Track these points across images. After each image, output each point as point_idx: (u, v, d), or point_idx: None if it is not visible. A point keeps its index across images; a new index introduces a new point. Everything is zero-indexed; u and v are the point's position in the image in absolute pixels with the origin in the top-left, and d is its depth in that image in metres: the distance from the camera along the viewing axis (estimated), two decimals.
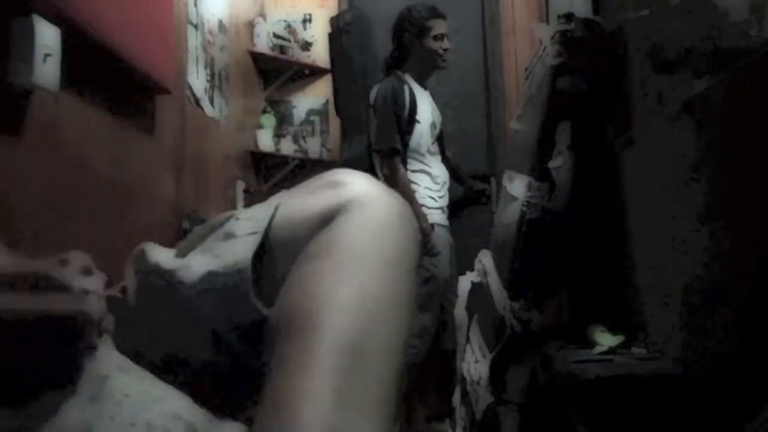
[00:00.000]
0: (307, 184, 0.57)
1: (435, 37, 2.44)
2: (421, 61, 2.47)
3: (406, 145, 2.36)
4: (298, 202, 0.55)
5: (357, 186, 0.53)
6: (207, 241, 0.58)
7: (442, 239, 2.39)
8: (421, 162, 2.39)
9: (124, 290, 0.59)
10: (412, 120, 2.38)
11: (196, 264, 0.55)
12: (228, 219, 0.58)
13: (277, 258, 0.53)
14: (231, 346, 0.54)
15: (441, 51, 2.46)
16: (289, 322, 0.45)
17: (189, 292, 0.54)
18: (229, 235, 0.56)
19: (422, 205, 2.32)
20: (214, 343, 0.55)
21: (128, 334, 0.56)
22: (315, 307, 0.45)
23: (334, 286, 0.46)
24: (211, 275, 0.53)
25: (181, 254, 0.59)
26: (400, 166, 2.31)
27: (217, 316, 0.54)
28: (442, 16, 2.48)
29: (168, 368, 0.55)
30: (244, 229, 0.55)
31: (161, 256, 0.58)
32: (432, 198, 2.38)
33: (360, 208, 0.50)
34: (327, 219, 0.50)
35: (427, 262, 2.23)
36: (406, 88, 2.40)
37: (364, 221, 0.50)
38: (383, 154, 2.34)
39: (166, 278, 0.55)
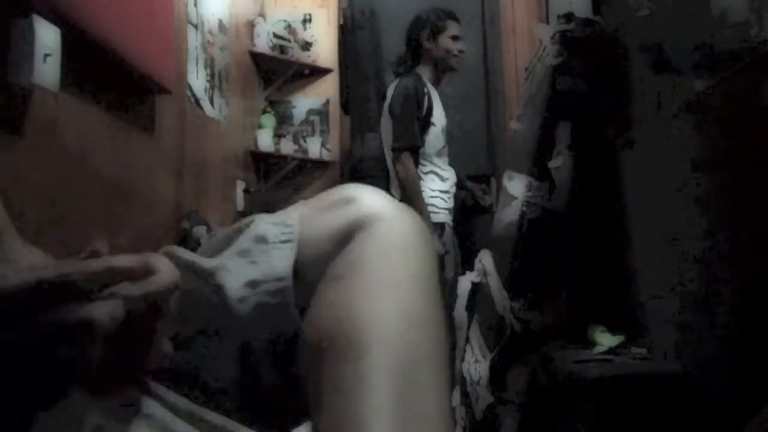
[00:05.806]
0: (320, 198, 0.57)
1: (451, 37, 2.48)
2: (436, 61, 2.50)
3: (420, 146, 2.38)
4: (316, 217, 0.55)
5: (370, 202, 0.53)
6: (238, 242, 0.57)
7: (450, 239, 2.41)
8: (432, 164, 2.41)
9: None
10: (427, 122, 2.39)
11: (234, 267, 0.55)
12: (251, 222, 0.57)
13: (304, 269, 0.53)
14: (258, 359, 0.54)
15: (456, 52, 2.49)
16: (333, 344, 0.46)
17: (230, 296, 0.53)
18: (261, 239, 0.55)
19: (432, 206, 2.33)
20: (242, 356, 0.53)
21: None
22: (359, 328, 0.45)
23: (373, 305, 0.47)
24: (252, 283, 0.53)
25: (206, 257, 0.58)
26: (413, 165, 2.31)
27: (256, 324, 0.53)
28: (457, 20, 2.53)
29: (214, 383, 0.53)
30: (275, 234, 0.55)
31: (194, 255, 0.57)
32: (441, 199, 2.41)
33: (378, 225, 0.51)
34: (347, 236, 0.51)
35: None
36: (425, 89, 2.42)
37: (386, 238, 0.51)
38: (399, 151, 2.33)
39: (206, 278, 0.54)
